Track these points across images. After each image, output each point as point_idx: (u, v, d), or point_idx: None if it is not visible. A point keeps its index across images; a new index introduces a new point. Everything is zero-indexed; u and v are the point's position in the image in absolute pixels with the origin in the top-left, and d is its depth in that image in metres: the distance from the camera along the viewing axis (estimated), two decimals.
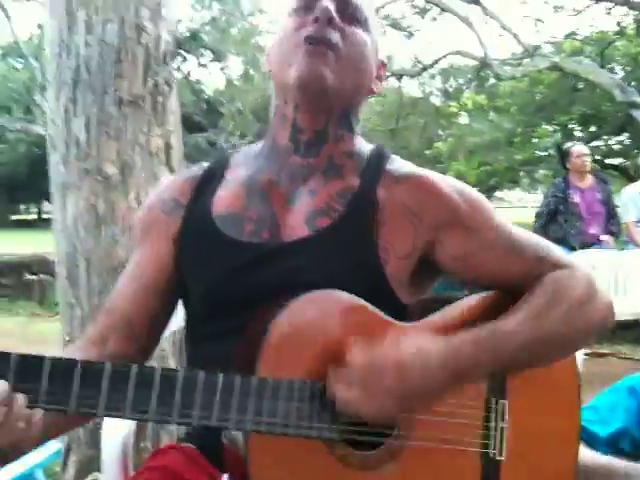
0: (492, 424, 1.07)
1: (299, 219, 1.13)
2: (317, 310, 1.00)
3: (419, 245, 1.12)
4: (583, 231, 5.28)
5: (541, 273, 1.09)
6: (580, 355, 4.47)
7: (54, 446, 2.66)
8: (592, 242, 5.22)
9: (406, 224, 1.12)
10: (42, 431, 0.93)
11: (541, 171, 16.01)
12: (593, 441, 1.35)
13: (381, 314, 1.04)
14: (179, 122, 2.56)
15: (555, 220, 5.39)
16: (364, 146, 1.23)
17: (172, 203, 1.22)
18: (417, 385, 0.95)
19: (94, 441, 2.18)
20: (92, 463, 2.34)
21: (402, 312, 1.09)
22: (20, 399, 0.87)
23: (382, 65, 1.25)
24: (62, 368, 0.89)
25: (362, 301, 1.03)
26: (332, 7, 1.13)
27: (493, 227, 1.13)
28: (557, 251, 1.15)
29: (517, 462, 1.07)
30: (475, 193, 1.17)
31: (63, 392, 0.88)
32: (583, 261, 1.16)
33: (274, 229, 1.13)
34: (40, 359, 0.88)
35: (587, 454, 1.27)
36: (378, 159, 1.20)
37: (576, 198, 5.43)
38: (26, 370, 0.88)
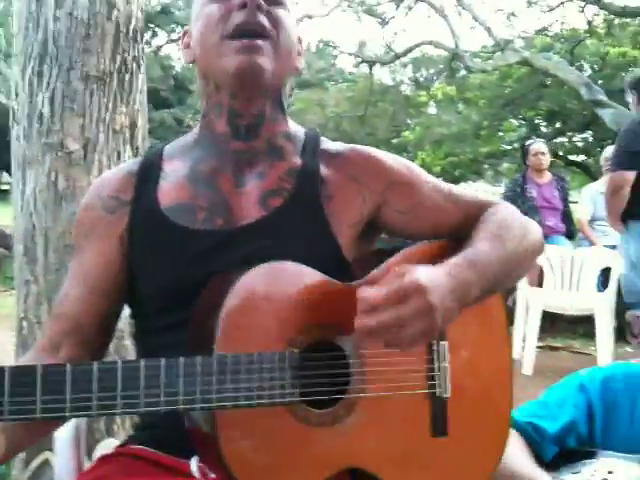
0: (435, 365, 1.12)
1: (252, 201, 1.15)
2: (267, 280, 1.02)
3: (367, 210, 1.19)
4: (542, 224, 5.40)
5: (478, 214, 1.18)
6: (533, 347, 4.57)
7: None
8: (550, 234, 5.34)
9: (353, 193, 1.19)
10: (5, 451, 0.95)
11: (505, 164, 16.17)
12: (541, 438, 1.38)
13: (329, 279, 1.07)
14: (145, 101, 2.52)
15: None
16: (297, 128, 1.27)
17: (113, 201, 1.19)
18: (438, 301, 0.94)
19: None
20: (44, 442, 2.31)
21: (349, 270, 1.14)
22: None
23: (300, 40, 1.25)
24: (22, 375, 0.87)
25: (309, 268, 1.05)
26: None
27: (428, 181, 1.24)
28: (483, 195, 1.27)
29: (461, 397, 1.14)
30: (413, 163, 1.28)
31: (28, 400, 0.86)
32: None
33: (227, 214, 1.14)
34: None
35: (517, 462, 1.29)
36: (313, 139, 1.25)
37: (533, 192, 5.59)
38: None
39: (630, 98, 3.96)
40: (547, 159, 5.75)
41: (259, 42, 1.11)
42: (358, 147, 1.25)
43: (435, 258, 1.07)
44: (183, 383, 0.93)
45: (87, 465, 1.27)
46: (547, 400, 1.46)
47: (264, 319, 1.01)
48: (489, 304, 1.16)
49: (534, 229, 1.22)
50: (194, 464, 1.06)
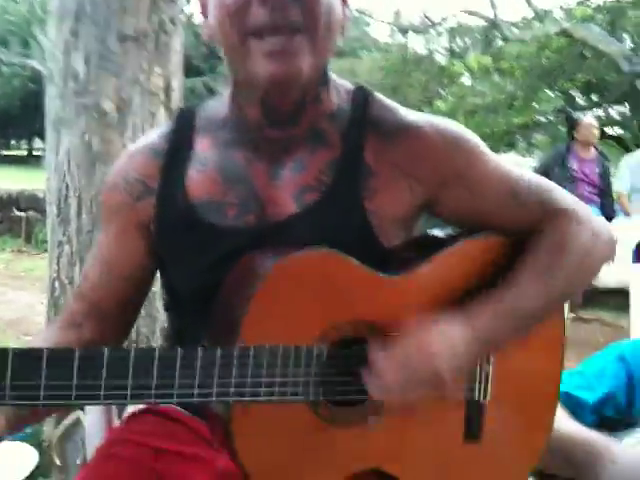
0: (476, 368, 1.07)
1: (286, 196, 1.04)
2: (303, 269, 0.96)
3: (416, 205, 1.08)
4: (575, 194, 5.31)
5: (543, 220, 1.06)
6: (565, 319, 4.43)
7: None
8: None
9: (402, 188, 1.05)
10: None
11: (538, 136, 15.93)
12: (579, 408, 1.35)
13: (369, 270, 1.00)
14: (181, 63, 2.49)
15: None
16: (342, 95, 1.10)
17: (140, 186, 1.10)
18: (447, 371, 0.96)
19: None
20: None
21: (390, 259, 1.06)
22: None
23: (343, 1, 1.04)
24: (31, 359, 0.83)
25: (347, 256, 0.98)
26: None
27: (492, 179, 1.07)
28: (559, 193, 1.10)
29: (500, 403, 1.09)
30: (471, 140, 1.09)
31: (33, 385, 0.83)
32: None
33: (259, 210, 1.05)
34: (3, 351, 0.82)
35: (571, 426, 1.26)
36: (362, 111, 1.08)
37: (574, 165, 5.50)
38: None
39: None
40: (597, 134, 5.70)
41: (292, 41, 0.93)
42: (418, 127, 1.06)
43: (485, 260, 1.06)
44: (200, 374, 0.89)
45: (117, 423, 1.28)
46: (585, 371, 1.42)
47: (295, 309, 0.95)
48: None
49: (603, 237, 1.09)
50: None
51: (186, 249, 1.07)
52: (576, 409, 1.34)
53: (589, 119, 5.70)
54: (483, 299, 1.01)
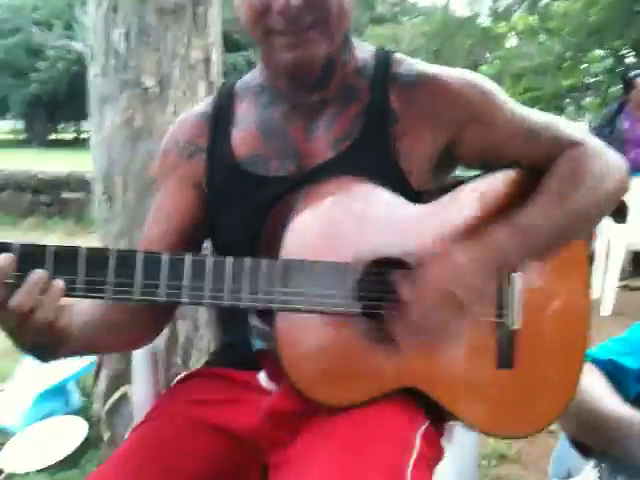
0: (505, 293, 1.09)
1: (323, 146, 1.14)
2: (336, 193, 1.04)
3: (439, 146, 1.15)
4: (628, 157, 5.15)
5: (558, 154, 1.12)
6: (613, 287, 4.41)
7: (87, 360, 2.73)
8: (636, 168, 5.11)
9: (425, 130, 1.14)
10: (71, 332, 0.97)
11: (588, 99, 15.52)
12: (624, 375, 1.31)
13: (399, 197, 1.08)
14: (220, 35, 2.47)
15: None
16: (366, 54, 1.20)
17: (191, 147, 1.22)
18: (461, 288, 1.00)
19: (125, 355, 2.20)
20: (123, 377, 2.38)
21: (419, 199, 1.12)
22: (59, 283, 0.92)
23: None
24: (99, 257, 0.95)
25: (379, 187, 1.06)
26: None
27: (508, 117, 1.15)
28: (569, 127, 1.17)
29: (532, 331, 1.11)
30: (487, 84, 1.17)
31: (101, 279, 0.94)
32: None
33: (298, 161, 1.15)
34: (75, 249, 0.94)
35: (608, 403, 1.23)
36: (384, 66, 1.18)
37: (626, 124, 5.30)
38: (63, 260, 0.93)
39: None
40: None
41: (306, 36, 1.05)
42: (439, 74, 1.16)
43: (506, 192, 1.11)
44: (248, 281, 0.97)
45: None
46: (630, 337, 1.38)
47: (334, 231, 1.02)
48: (570, 244, 1.13)
49: (615, 169, 1.14)
50: (263, 377, 1.16)
51: (234, 199, 1.17)
52: (621, 376, 1.31)
53: None
54: (498, 219, 1.06)
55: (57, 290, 0.92)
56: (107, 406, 2.45)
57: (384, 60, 1.19)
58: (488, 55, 16.84)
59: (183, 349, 2.36)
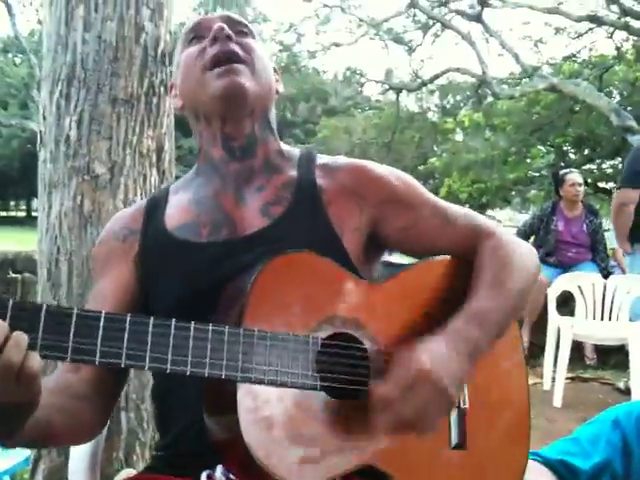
0: None
1: (254, 213, 1.20)
2: (290, 267, 1.05)
3: (365, 220, 1.22)
4: (565, 255, 5.34)
5: (476, 242, 1.22)
6: (562, 379, 4.44)
7: (23, 453, 2.61)
8: (575, 263, 5.29)
9: (351, 203, 1.23)
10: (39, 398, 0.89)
11: (533, 191, 16.04)
12: (574, 476, 1.30)
13: (349, 272, 1.11)
14: (172, 124, 2.51)
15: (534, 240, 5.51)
16: (291, 148, 1.34)
17: (125, 231, 1.28)
18: (446, 379, 1.01)
19: (64, 449, 2.11)
20: (61, 471, 2.28)
21: (356, 274, 1.15)
22: (20, 336, 0.83)
23: (275, 71, 1.33)
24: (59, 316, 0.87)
25: (328, 260, 1.09)
26: (225, 26, 1.23)
27: (428, 202, 1.27)
28: (480, 218, 1.29)
29: (478, 411, 1.15)
30: (410, 177, 1.30)
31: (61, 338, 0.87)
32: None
33: (231, 227, 1.20)
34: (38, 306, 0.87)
35: None
36: (308, 155, 1.31)
37: (560, 226, 5.43)
38: (23, 316, 0.85)
39: None
40: (582, 190, 5.54)
41: (236, 65, 1.20)
42: (356, 161, 1.29)
43: (444, 275, 1.20)
44: (210, 350, 0.93)
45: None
46: (580, 437, 1.37)
47: (289, 302, 1.02)
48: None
49: (529, 256, 1.25)
50: (204, 477, 1.06)
51: (170, 268, 1.19)
52: (572, 478, 1.30)
53: (573, 176, 5.50)
54: (447, 306, 1.12)
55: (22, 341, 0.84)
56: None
57: (308, 154, 1.32)
58: (436, 148, 17.38)
59: (125, 443, 2.27)
